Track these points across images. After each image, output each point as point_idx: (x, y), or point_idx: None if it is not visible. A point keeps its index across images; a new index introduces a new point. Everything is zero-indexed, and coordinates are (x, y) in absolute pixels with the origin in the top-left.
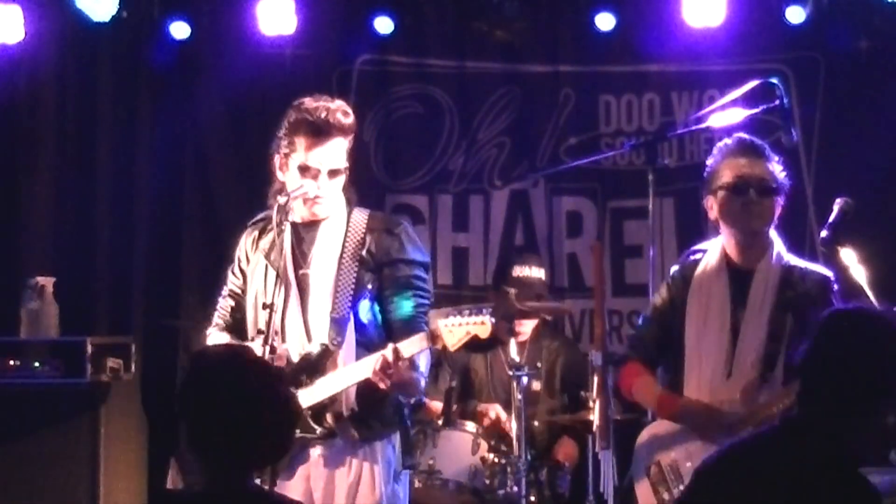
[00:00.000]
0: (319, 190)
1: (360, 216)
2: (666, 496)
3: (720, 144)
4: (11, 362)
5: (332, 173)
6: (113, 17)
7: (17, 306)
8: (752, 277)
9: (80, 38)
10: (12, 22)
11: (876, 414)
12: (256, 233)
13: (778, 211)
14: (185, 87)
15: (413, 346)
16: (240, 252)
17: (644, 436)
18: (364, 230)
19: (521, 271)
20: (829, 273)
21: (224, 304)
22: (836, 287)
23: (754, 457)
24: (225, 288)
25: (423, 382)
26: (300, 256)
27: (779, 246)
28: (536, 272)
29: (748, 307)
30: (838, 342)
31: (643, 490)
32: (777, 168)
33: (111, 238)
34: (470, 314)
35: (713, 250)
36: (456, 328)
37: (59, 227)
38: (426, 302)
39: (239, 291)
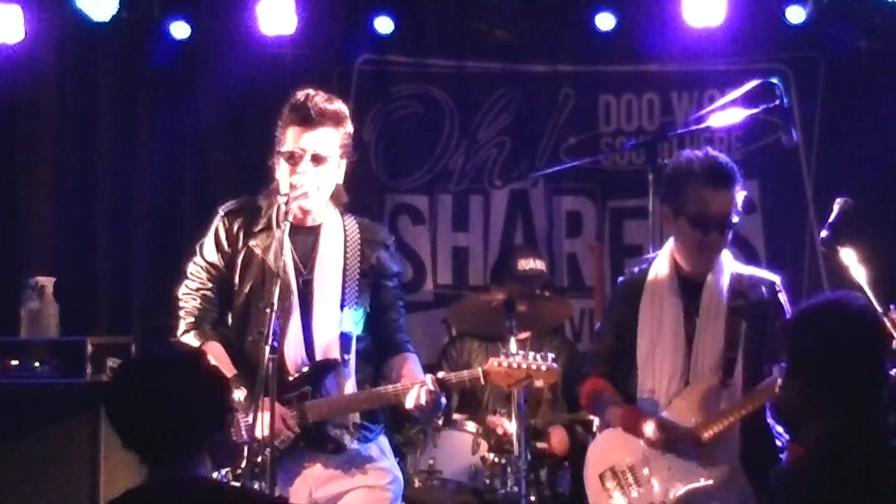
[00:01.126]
0: (305, 177)
1: (352, 224)
2: (623, 500)
3: (688, 156)
4: (11, 362)
5: (316, 159)
6: (113, 17)
7: (17, 306)
8: (703, 286)
9: (80, 38)
10: (12, 22)
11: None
12: (241, 222)
13: (728, 235)
14: (185, 87)
15: (462, 382)
16: (219, 241)
17: (600, 439)
18: (359, 241)
19: (525, 265)
20: (775, 278)
21: (198, 303)
22: (782, 290)
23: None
24: (195, 280)
25: (444, 401)
26: (299, 261)
27: (725, 254)
28: (540, 264)
29: (702, 316)
30: (823, 341)
31: (594, 491)
32: (739, 195)
33: (111, 238)
34: (534, 359)
35: (662, 259)
36: (514, 370)
37: (59, 227)
38: (405, 311)
39: (214, 283)
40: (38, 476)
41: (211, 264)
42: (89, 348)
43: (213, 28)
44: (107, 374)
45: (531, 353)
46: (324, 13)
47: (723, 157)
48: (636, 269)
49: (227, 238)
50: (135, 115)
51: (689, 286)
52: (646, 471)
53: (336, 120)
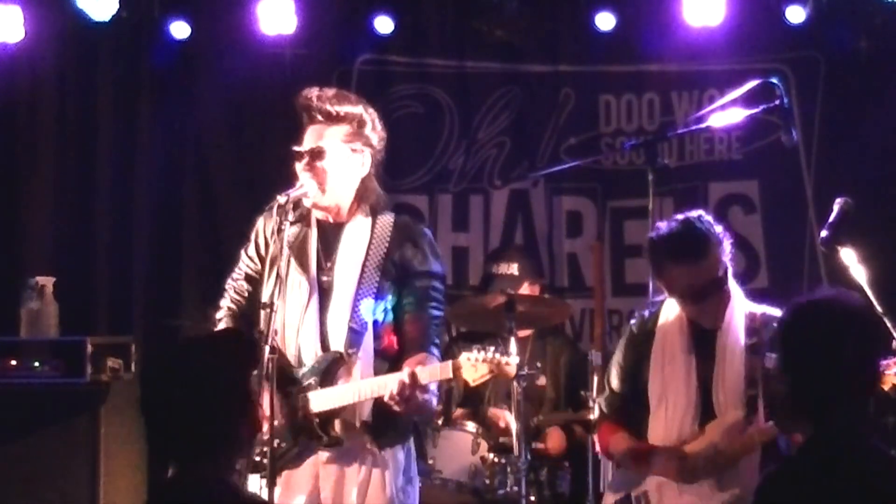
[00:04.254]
0: (307, 174)
1: (386, 221)
2: None
3: (657, 232)
4: (11, 362)
5: (313, 154)
6: (113, 16)
7: (17, 306)
8: (717, 332)
9: (80, 38)
10: (12, 22)
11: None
12: (279, 219)
13: (728, 287)
14: (185, 87)
15: (433, 375)
16: (258, 237)
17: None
18: (389, 238)
19: (489, 268)
20: None
21: (239, 287)
22: None
23: (816, 475)
24: (238, 270)
25: (434, 402)
26: (324, 258)
27: (737, 293)
28: (505, 268)
29: (717, 361)
30: (803, 334)
31: None
32: (720, 251)
33: (111, 238)
34: (496, 352)
35: (672, 305)
36: (479, 364)
37: (59, 227)
38: (441, 314)
39: (256, 276)
40: (38, 476)
41: (259, 255)
42: (89, 348)
43: (213, 28)
44: (107, 375)
45: (491, 349)
46: (324, 13)
47: (688, 225)
48: (646, 314)
49: (265, 234)
50: (135, 115)
51: (701, 331)
52: (660, 496)
53: (338, 117)
